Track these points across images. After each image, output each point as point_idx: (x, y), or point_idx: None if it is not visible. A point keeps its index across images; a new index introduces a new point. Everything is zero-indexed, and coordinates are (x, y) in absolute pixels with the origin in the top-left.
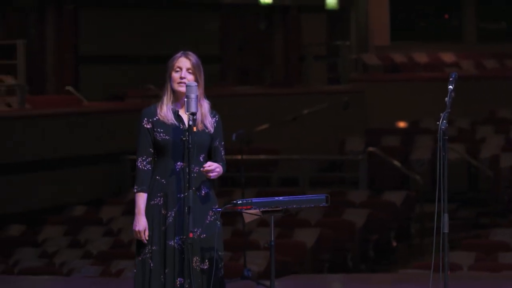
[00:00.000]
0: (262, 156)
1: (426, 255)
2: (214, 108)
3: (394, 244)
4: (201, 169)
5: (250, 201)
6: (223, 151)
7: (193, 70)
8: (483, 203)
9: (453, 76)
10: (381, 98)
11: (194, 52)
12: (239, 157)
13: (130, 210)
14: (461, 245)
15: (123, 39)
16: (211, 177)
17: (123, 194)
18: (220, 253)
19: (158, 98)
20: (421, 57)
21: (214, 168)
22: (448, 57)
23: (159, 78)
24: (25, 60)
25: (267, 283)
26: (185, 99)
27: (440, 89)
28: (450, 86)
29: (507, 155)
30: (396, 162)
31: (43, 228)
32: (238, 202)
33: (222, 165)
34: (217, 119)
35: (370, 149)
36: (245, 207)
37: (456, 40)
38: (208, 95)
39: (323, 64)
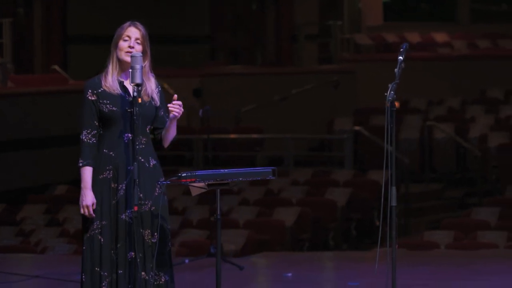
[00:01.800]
0: (244, 135)
1: (408, 235)
2: (206, 87)
3: (377, 223)
4: (173, 101)
5: (194, 174)
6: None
7: (142, 41)
8: (471, 183)
9: (404, 47)
10: (371, 78)
11: (184, 31)
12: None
13: None
14: (440, 224)
15: (111, 18)
16: (175, 114)
17: None
18: (167, 226)
19: None
20: (414, 37)
21: (180, 104)
22: (440, 37)
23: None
24: (12, 39)
25: (235, 260)
26: (130, 70)
27: (432, 69)
28: (400, 57)
29: (495, 135)
30: (382, 142)
31: (23, 207)
32: (183, 175)
33: None
34: (159, 89)
35: (357, 128)
36: (189, 180)
37: (449, 20)
38: (199, 74)
39: (314, 44)
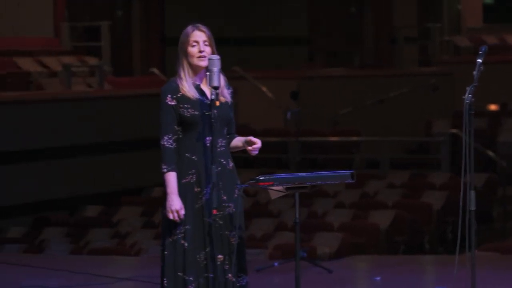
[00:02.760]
0: (340, 138)
1: (508, 239)
2: (303, 89)
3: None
4: (251, 146)
5: (271, 177)
6: (235, 123)
7: (209, 42)
8: None
9: (483, 49)
10: (470, 81)
11: (283, 33)
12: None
13: None
14: None
15: (209, 20)
16: (252, 153)
17: None
18: (243, 228)
19: (243, 79)
20: None
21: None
22: None
23: (245, 60)
24: (110, 42)
25: (325, 264)
26: (207, 73)
27: None
28: (479, 60)
29: None
30: (480, 145)
31: (120, 209)
32: (261, 178)
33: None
34: (231, 91)
35: (453, 130)
36: (266, 183)
37: None
38: (296, 76)
39: (414, 46)
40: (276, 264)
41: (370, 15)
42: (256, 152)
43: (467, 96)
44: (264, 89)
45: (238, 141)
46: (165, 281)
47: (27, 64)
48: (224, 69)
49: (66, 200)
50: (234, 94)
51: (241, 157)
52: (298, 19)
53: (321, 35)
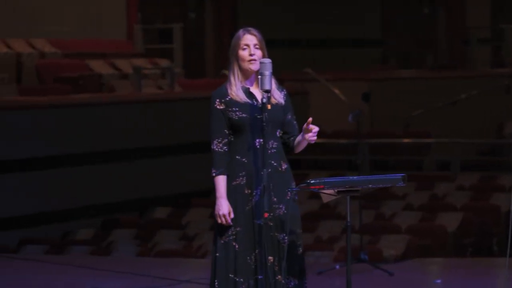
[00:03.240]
0: (414, 140)
1: None
2: (374, 91)
3: None
4: (307, 126)
5: (322, 180)
6: (296, 125)
7: (260, 45)
8: None
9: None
10: None
11: (355, 35)
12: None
13: None
14: None
15: (281, 23)
16: (311, 140)
17: None
18: (298, 230)
19: (315, 81)
20: None
21: (318, 129)
22: None
23: (317, 62)
24: (183, 44)
25: (389, 266)
26: (259, 76)
27: None
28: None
29: None
30: None
31: (188, 211)
32: (311, 182)
33: None
34: (285, 92)
35: None
36: (317, 187)
37: None
38: (368, 78)
39: (487, 47)
40: (337, 266)
41: (443, 16)
42: (315, 138)
43: None
44: (336, 91)
45: (299, 137)
46: (216, 283)
47: (99, 66)
48: (295, 71)
49: (136, 202)
50: (287, 96)
51: (311, 159)
52: (371, 21)
53: (394, 37)
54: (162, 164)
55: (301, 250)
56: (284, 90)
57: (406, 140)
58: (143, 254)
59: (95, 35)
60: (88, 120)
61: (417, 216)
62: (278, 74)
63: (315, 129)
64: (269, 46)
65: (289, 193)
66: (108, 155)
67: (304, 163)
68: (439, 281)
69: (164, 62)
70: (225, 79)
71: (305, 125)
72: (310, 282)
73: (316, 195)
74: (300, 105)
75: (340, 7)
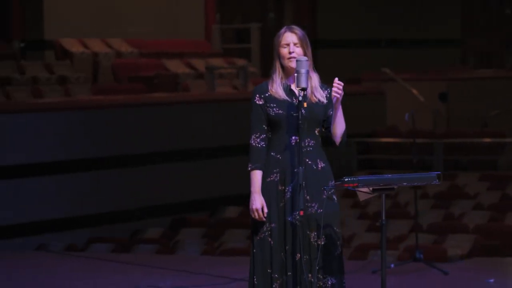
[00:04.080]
0: (487, 140)
1: None
2: (452, 91)
3: None
4: (336, 81)
5: (356, 179)
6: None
7: (301, 43)
8: None
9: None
10: None
11: (433, 34)
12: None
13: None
14: None
15: (361, 22)
16: (335, 95)
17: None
18: (336, 229)
19: (392, 81)
20: None
21: (341, 84)
22: None
23: (397, 62)
24: (261, 44)
25: (444, 265)
26: (295, 74)
27: None
28: None
29: None
30: None
31: None
32: (346, 180)
33: None
34: (329, 91)
35: None
36: (351, 185)
37: None
38: (446, 78)
39: None
40: (392, 265)
41: None
42: (341, 92)
43: None
44: (415, 91)
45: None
46: (254, 279)
47: (175, 65)
48: (374, 71)
49: (206, 201)
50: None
51: (385, 159)
52: (451, 21)
53: (474, 37)
54: (233, 163)
55: (340, 249)
56: (329, 89)
57: (478, 140)
58: (208, 253)
59: (172, 35)
60: (161, 119)
61: (486, 216)
62: (357, 74)
63: (340, 83)
64: (348, 46)
65: (325, 191)
66: (179, 155)
67: (379, 163)
68: (492, 280)
69: (241, 62)
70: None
71: (333, 84)
72: (364, 280)
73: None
74: (376, 105)
75: (421, 7)
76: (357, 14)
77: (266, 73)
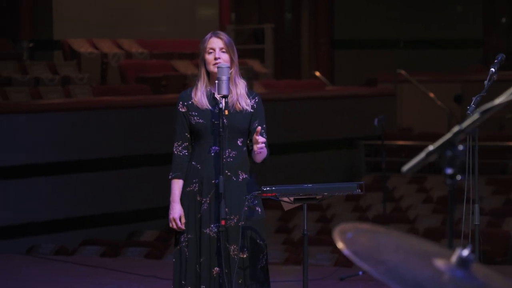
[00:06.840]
0: (495, 143)
1: None
2: (468, 92)
3: None
4: (256, 136)
5: (275, 188)
6: (265, 133)
7: (227, 49)
8: None
9: (499, 58)
10: None
11: (453, 35)
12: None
13: (350, 197)
14: None
15: (377, 24)
16: (257, 152)
17: (356, 179)
18: (259, 241)
19: (408, 82)
20: None
21: (263, 141)
22: None
23: (412, 64)
24: (276, 45)
25: None
26: (216, 81)
27: None
28: (492, 69)
29: None
30: None
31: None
32: (264, 189)
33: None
34: (257, 100)
35: None
36: (269, 195)
37: None
38: (462, 79)
39: None
40: (360, 273)
41: None
42: (263, 150)
43: (471, 107)
44: (432, 95)
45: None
46: None
47: (184, 66)
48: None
49: None
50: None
51: (395, 162)
52: (473, 21)
53: (496, 38)
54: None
55: (264, 262)
56: (257, 97)
57: (489, 143)
58: None
59: (186, 36)
60: (165, 120)
61: (484, 220)
62: (374, 75)
63: (261, 139)
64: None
65: (246, 202)
66: None
67: (388, 165)
68: (361, 272)
69: (254, 63)
70: (316, 80)
71: (254, 135)
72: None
73: (390, 199)
74: (387, 106)
75: (442, 7)
76: (374, 14)
77: (283, 74)
